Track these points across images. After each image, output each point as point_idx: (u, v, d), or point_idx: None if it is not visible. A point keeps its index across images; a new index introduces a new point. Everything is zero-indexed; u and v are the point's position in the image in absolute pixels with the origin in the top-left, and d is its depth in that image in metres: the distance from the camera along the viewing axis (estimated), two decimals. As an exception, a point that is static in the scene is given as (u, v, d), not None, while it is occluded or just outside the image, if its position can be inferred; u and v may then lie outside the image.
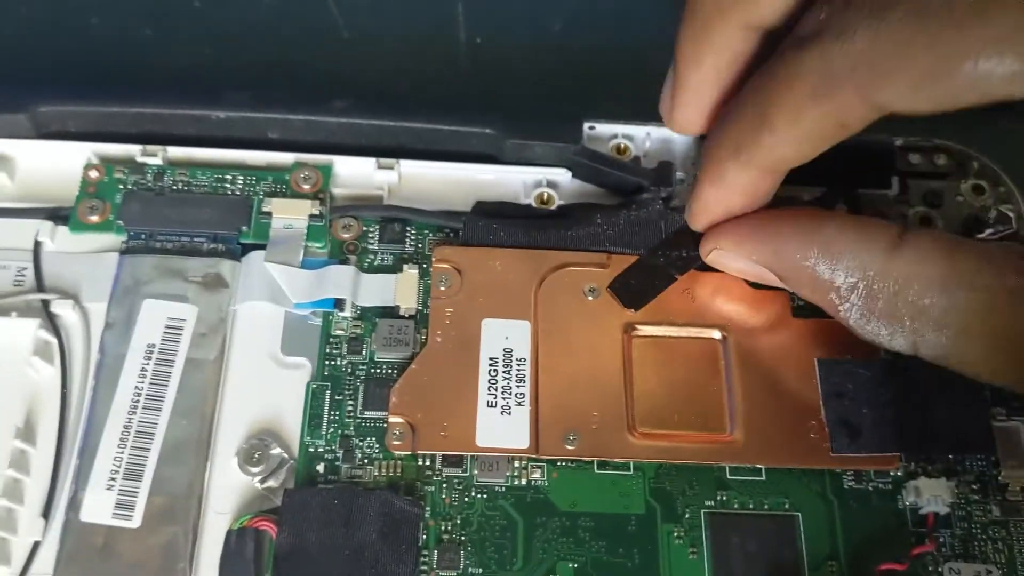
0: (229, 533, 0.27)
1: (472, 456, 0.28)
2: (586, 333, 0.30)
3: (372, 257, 0.31)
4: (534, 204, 0.33)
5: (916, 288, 0.23)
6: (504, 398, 0.29)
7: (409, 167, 0.33)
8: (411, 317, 0.30)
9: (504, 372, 0.29)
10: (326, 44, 0.36)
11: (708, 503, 0.28)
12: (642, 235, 0.31)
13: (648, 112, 0.34)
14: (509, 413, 0.28)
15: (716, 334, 0.30)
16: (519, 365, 0.29)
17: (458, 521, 0.28)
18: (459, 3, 0.37)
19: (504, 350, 0.29)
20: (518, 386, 0.29)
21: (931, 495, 0.28)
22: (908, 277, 0.23)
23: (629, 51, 0.37)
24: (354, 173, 0.32)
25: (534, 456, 0.28)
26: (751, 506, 0.28)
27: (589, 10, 0.38)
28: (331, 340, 0.30)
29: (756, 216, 0.27)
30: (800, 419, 0.29)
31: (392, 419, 0.28)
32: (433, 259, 0.31)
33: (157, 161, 0.32)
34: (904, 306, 0.23)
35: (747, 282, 0.31)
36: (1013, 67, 0.20)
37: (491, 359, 0.29)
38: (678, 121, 0.28)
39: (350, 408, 0.29)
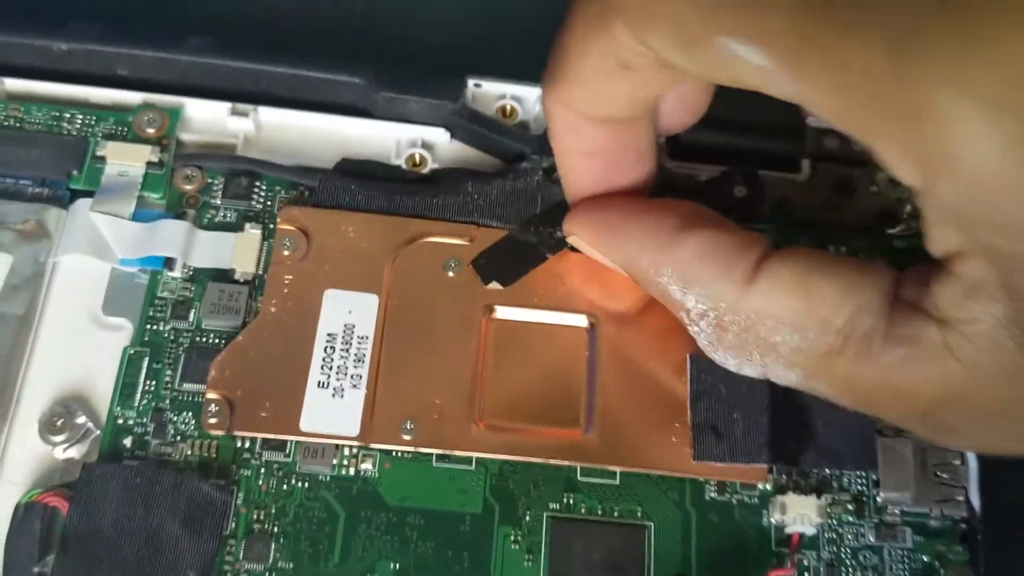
0: (17, 507, 0.24)
1: (296, 441, 0.26)
2: (441, 312, 0.27)
3: (213, 213, 0.28)
4: (404, 166, 0.30)
5: (767, 326, 0.21)
6: (338, 379, 0.26)
7: (269, 115, 0.29)
8: (247, 283, 0.27)
9: (342, 350, 0.26)
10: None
11: (553, 506, 0.26)
12: (516, 208, 0.29)
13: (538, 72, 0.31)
14: (341, 396, 0.26)
15: (583, 322, 0.27)
16: (360, 343, 0.26)
17: (273, 510, 0.25)
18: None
19: (345, 325, 0.27)
20: (355, 366, 0.26)
21: (798, 513, 0.26)
22: (759, 314, 0.21)
23: (525, 6, 0.34)
24: (206, 118, 0.29)
25: (363, 445, 0.26)
26: (600, 512, 0.26)
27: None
28: (156, 302, 0.27)
29: (618, 212, 0.25)
30: (664, 420, 0.26)
31: (209, 394, 0.25)
32: (278, 219, 0.28)
33: (-11, 93, 0.29)
34: (754, 341, 0.22)
35: (625, 266, 0.28)
36: (761, 62, 0.18)
37: (329, 335, 0.26)
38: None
39: (168, 379, 0.26)
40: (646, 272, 0.23)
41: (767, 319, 0.21)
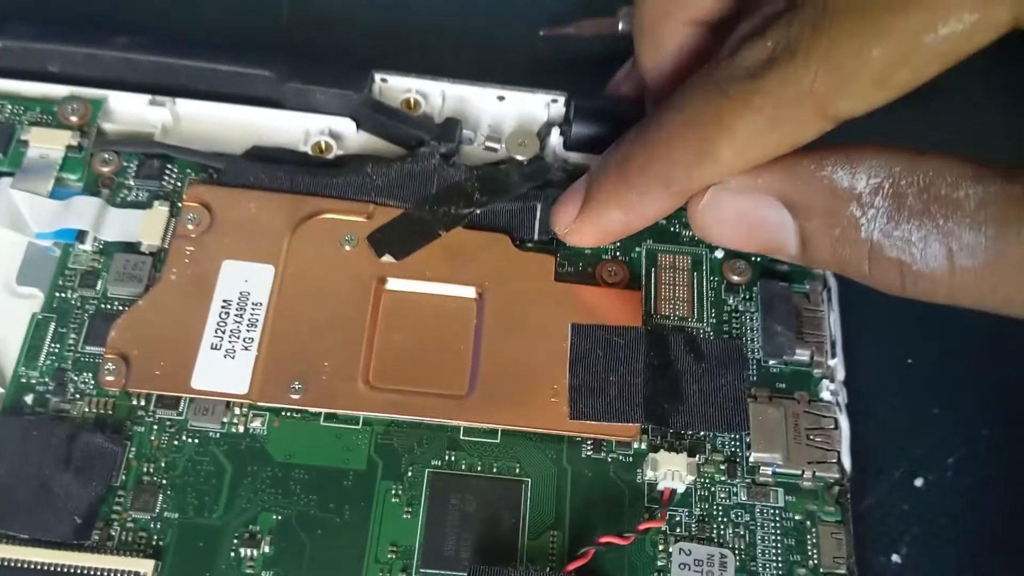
0: (-82, 455, 0.26)
1: (189, 399, 0.27)
2: (335, 283, 0.29)
3: (126, 192, 0.30)
4: (311, 152, 0.32)
5: (949, 179, 0.20)
6: (231, 341, 0.27)
7: (186, 107, 0.31)
8: (151, 254, 0.29)
9: (236, 315, 0.28)
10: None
11: (435, 463, 0.27)
12: (413, 188, 0.30)
13: (446, 68, 0.33)
14: (233, 357, 0.27)
15: (471, 293, 0.29)
16: (254, 309, 0.28)
17: (163, 464, 0.26)
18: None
19: (241, 293, 0.28)
20: (248, 330, 0.27)
21: (669, 469, 0.27)
22: (939, 168, 0.21)
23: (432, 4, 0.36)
24: (127, 110, 0.31)
25: (252, 403, 0.27)
26: (480, 468, 0.27)
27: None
28: (66, 272, 0.29)
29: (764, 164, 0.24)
30: (544, 383, 0.28)
31: (108, 354, 0.27)
32: (184, 196, 0.30)
33: (-76, 86, 0.31)
34: (935, 201, 0.20)
35: (513, 243, 0.30)
36: (972, 17, 0.19)
37: (224, 301, 0.28)
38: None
39: (72, 341, 0.28)
40: (806, 173, 0.22)
41: (947, 173, 0.21)
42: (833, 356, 0.29)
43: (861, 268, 0.22)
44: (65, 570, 0.24)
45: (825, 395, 0.29)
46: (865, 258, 0.21)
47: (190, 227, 0.29)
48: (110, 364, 0.27)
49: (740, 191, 0.24)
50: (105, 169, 0.30)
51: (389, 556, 0.26)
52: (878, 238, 0.21)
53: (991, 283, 0.20)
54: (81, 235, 0.29)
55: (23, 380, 0.27)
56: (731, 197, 0.24)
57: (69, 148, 0.30)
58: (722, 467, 0.27)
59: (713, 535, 0.27)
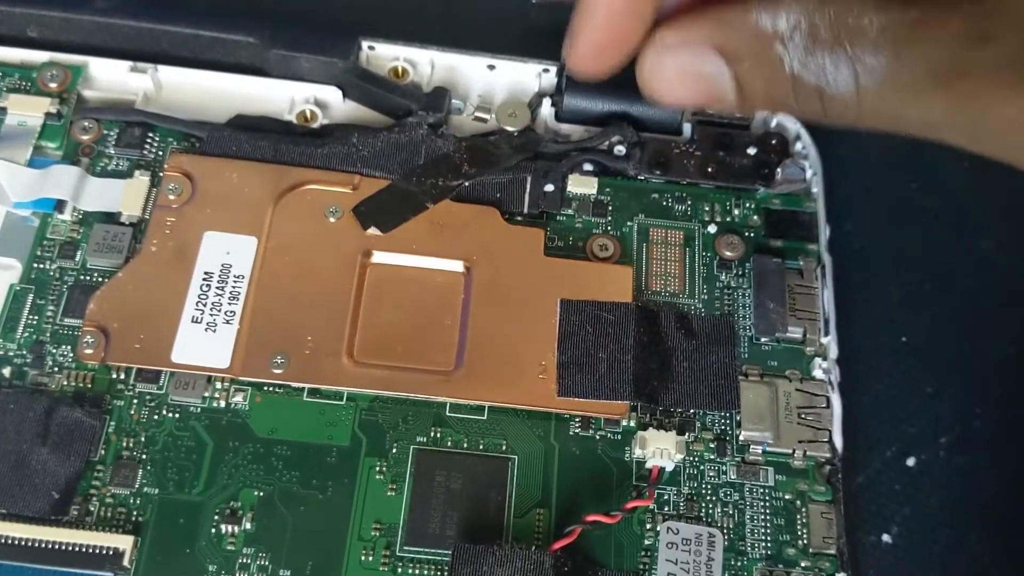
0: None
1: (169, 373, 0.27)
2: (319, 255, 0.28)
3: (107, 161, 0.29)
4: (295, 122, 0.31)
5: (856, 10, 0.23)
6: (212, 315, 0.27)
7: (169, 74, 0.31)
8: (131, 225, 0.28)
9: (218, 288, 0.27)
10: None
11: (420, 439, 0.26)
12: (400, 159, 0.30)
13: (435, 36, 0.33)
14: (214, 330, 0.27)
15: (459, 267, 0.28)
16: (236, 282, 0.27)
17: (143, 439, 0.26)
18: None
19: (222, 265, 0.27)
20: (230, 303, 0.27)
21: (658, 447, 0.26)
22: (848, 1, 0.23)
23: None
24: (108, 76, 0.31)
25: (234, 377, 0.26)
26: (466, 445, 0.26)
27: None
28: (45, 243, 0.28)
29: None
30: (532, 360, 0.27)
31: (87, 326, 0.26)
32: (166, 165, 0.29)
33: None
34: (844, 30, 0.23)
35: (503, 216, 0.29)
36: None
37: (206, 273, 0.27)
38: (577, 51, 0.25)
39: (50, 314, 0.27)
40: (735, 21, 0.24)
41: (855, 4, 0.22)
42: (826, 334, 0.29)
43: (788, 101, 0.24)
44: (43, 545, 0.24)
45: (817, 373, 0.28)
46: (790, 91, 0.23)
47: (171, 197, 0.28)
48: (89, 337, 0.26)
49: (677, 46, 0.25)
50: (85, 137, 0.29)
51: (373, 533, 0.25)
52: (799, 70, 0.23)
53: (890, 102, 0.23)
54: (60, 205, 0.28)
55: (0, 352, 0.27)
56: (671, 55, 0.25)
57: (48, 115, 0.29)
58: (712, 445, 0.27)
59: (702, 514, 0.26)
